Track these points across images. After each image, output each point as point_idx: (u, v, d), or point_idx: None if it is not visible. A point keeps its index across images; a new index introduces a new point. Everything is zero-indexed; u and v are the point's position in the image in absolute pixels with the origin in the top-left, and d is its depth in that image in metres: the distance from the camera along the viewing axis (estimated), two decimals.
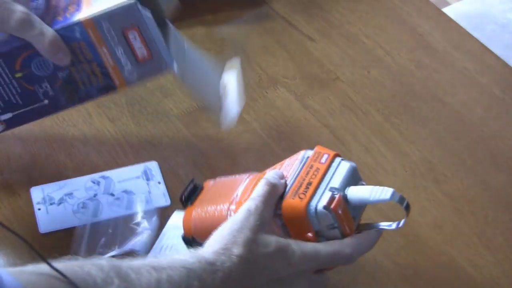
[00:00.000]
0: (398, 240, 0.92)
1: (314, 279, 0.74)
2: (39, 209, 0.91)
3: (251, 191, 0.74)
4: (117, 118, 1.03)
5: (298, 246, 0.70)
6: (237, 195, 0.76)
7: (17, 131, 1.00)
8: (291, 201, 0.72)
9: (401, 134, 1.03)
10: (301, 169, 0.75)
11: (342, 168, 0.75)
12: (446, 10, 1.52)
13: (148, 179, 0.95)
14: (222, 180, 0.82)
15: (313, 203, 0.71)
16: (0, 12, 0.78)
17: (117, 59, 0.82)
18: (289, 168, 0.76)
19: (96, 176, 0.95)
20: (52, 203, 0.92)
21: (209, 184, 0.82)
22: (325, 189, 0.72)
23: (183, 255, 0.68)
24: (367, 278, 0.88)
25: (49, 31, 0.79)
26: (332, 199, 0.71)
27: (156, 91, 1.07)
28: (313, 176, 0.73)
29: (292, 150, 0.80)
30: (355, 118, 1.05)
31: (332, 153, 0.76)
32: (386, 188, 0.73)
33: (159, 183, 0.95)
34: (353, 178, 0.75)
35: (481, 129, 1.04)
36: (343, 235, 0.72)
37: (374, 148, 1.02)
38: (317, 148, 0.77)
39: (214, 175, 0.97)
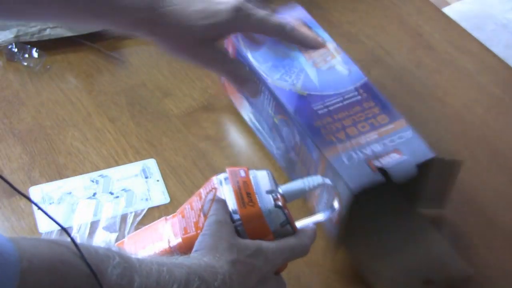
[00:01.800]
0: None
1: (278, 279, 0.78)
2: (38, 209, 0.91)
3: (197, 220, 0.78)
4: (117, 118, 1.03)
5: (266, 244, 0.75)
6: (172, 236, 0.79)
7: (17, 131, 1.01)
8: (246, 209, 0.77)
9: None
10: (231, 186, 0.80)
11: (261, 175, 0.81)
12: (446, 10, 1.52)
13: (146, 177, 0.95)
14: (138, 233, 0.83)
15: (263, 205, 0.77)
16: None
17: None
18: (206, 193, 0.81)
19: (95, 175, 0.95)
20: (52, 202, 0.92)
21: (125, 242, 0.82)
22: (263, 194, 0.78)
23: (182, 257, 0.70)
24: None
25: None
26: (276, 199, 0.78)
27: (156, 91, 1.07)
28: (246, 188, 0.79)
29: None
30: None
31: (245, 167, 0.82)
32: (313, 176, 0.81)
33: (157, 181, 0.95)
34: (273, 181, 0.81)
35: (481, 129, 1.04)
36: (293, 231, 0.78)
37: None
38: (228, 168, 0.82)
39: (214, 175, 0.97)
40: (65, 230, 0.63)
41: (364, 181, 0.83)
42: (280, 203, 0.78)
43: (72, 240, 0.61)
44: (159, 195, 0.94)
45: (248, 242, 0.74)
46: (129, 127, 1.02)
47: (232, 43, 0.97)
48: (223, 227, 0.74)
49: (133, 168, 0.97)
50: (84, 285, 0.60)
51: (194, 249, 0.73)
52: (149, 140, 1.01)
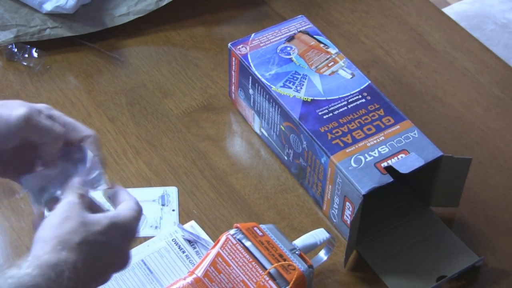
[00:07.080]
0: None
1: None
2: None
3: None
4: (117, 118, 1.03)
5: (123, 214, 0.71)
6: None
7: None
8: (291, 275, 0.79)
9: None
10: (257, 247, 0.81)
11: (273, 231, 0.83)
12: (446, 10, 1.51)
13: (163, 204, 0.93)
14: None
15: (302, 267, 0.80)
16: None
17: None
18: (233, 254, 0.81)
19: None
20: None
21: None
22: (289, 254, 0.81)
23: (20, 273, 0.62)
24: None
25: None
26: (303, 257, 0.81)
27: (156, 91, 1.07)
28: (274, 249, 0.81)
29: None
30: None
31: (255, 224, 0.83)
32: (318, 229, 0.86)
33: (173, 210, 0.92)
34: (282, 234, 0.84)
35: (481, 129, 1.04)
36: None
37: None
38: (240, 226, 0.83)
39: (214, 175, 0.97)
40: None
41: (374, 184, 0.83)
42: (308, 263, 0.80)
43: None
44: (170, 225, 0.91)
45: (100, 216, 0.69)
46: (129, 127, 1.02)
47: (235, 55, 0.98)
48: (73, 207, 0.68)
49: (153, 192, 0.94)
50: None
51: (36, 237, 0.66)
52: (149, 140, 1.01)
